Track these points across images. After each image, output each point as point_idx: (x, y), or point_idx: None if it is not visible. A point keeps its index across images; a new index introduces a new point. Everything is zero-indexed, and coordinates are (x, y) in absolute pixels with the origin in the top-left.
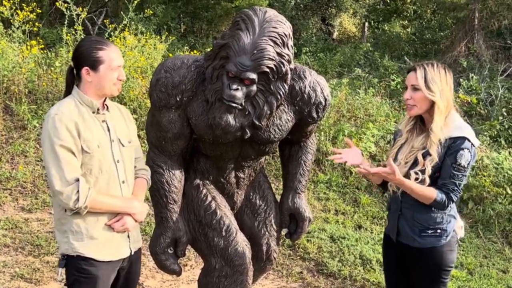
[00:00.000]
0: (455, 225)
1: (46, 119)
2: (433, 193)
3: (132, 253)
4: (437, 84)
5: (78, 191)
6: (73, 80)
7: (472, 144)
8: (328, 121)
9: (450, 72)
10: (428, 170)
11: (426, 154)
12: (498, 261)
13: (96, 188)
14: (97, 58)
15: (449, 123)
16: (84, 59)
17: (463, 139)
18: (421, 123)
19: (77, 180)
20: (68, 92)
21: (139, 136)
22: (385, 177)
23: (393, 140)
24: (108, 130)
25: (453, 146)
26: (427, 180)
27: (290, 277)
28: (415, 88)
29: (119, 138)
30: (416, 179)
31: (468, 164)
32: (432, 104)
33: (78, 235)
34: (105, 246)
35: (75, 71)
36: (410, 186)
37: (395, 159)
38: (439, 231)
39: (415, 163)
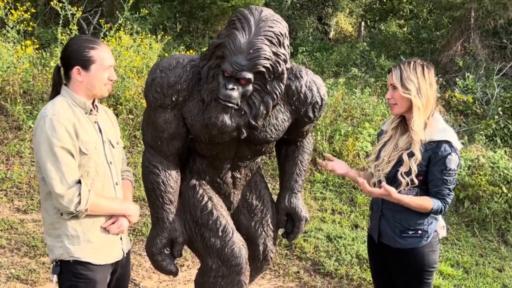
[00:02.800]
0: (437, 225)
1: (41, 120)
2: (429, 203)
3: (124, 255)
4: (413, 82)
5: (79, 194)
6: (60, 80)
7: (455, 147)
8: (324, 120)
9: (430, 69)
10: (414, 170)
11: (411, 155)
12: (494, 260)
13: (92, 190)
14: (88, 57)
15: (432, 125)
16: (75, 58)
17: (447, 143)
18: (405, 123)
19: (78, 182)
20: (56, 92)
21: (135, 136)
22: (383, 197)
23: (377, 139)
24: (100, 131)
25: (438, 152)
26: (415, 180)
27: (287, 276)
28: (394, 87)
29: (109, 140)
30: (407, 183)
31: (457, 166)
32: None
33: (75, 239)
34: (101, 249)
35: (62, 71)
36: (405, 201)
37: (377, 157)
38: (420, 232)
39: (399, 163)
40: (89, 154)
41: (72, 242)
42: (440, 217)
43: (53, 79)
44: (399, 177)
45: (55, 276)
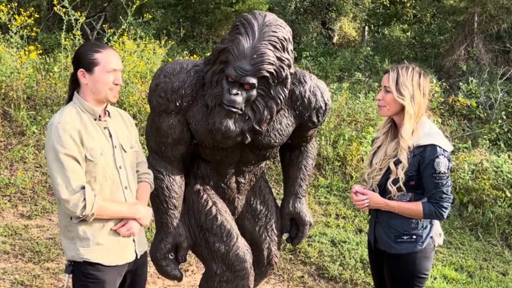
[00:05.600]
0: (433, 232)
1: (49, 128)
2: (419, 207)
3: (138, 256)
4: (408, 88)
5: (84, 199)
6: (75, 87)
7: (443, 149)
8: (328, 125)
9: (426, 78)
10: (402, 178)
11: (397, 162)
12: (497, 264)
13: (101, 195)
14: (92, 60)
15: (419, 129)
16: (80, 61)
17: (434, 146)
18: (395, 128)
19: (83, 187)
20: (70, 99)
21: (139, 141)
22: (372, 205)
23: (371, 145)
24: (110, 136)
25: (425, 156)
26: (403, 188)
27: (291, 281)
28: (387, 90)
29: (121, 144)
30: (395, 192)
31: (448, 168)
32: (403, 107)
33: (85, 242)
34: (110, 251)
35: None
36: (394, 206)
37: (371, 164)
38: (414, 236)
39: (389, 170)
40: (95, 161)
41: (82, 244)
42: (437, 223)
43: (69, 86)
44: (388, 186)
45: (68, 275)
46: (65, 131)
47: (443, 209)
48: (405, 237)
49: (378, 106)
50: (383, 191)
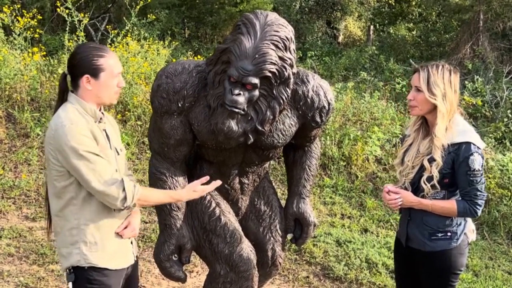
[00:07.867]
0: (466, 228)
1: (59, 130)
2: (453, 205)
3: (135, 258)
4: (439, 87)
5: (124, 190)
6: (67, 87)
7: (477, 147)
8: (333, 125)
9: (456, 74)
10: (436, 176)
11: (431, 160)
12: (503, 263)
13: (138, 184)
14: (98, 65)
15: (452, 127)
16: (84, 67)
17: (468, 144)
18: (427, 125)
19: (120, 179)
20: (62, 100)
21: (143, 142)
22: (406, 204)
23: (401, 144)
24: (108, 139)
25: (460, 153)
26: (437, 186)
27: (296, 281)
28: (418, 90)
29: (115, 147)
30: (429, 189)
31: (481, 166)
32: (435, 106)
33: (93, 246)
34: (116, 254)
35: (69, 78)
36: (428, 205)
37: (402, 161)
38: (449, 234)
39: (422, 168)
40: (108, 159)
41: (89, 249)
42: (469, 219)
43: (60, 86)
44: (422, 183)
45: (71, 283)
46: (79, 131)
47: (478, 207)
48: (439, 235)
49: (409, 106)
50: (416, 189)
